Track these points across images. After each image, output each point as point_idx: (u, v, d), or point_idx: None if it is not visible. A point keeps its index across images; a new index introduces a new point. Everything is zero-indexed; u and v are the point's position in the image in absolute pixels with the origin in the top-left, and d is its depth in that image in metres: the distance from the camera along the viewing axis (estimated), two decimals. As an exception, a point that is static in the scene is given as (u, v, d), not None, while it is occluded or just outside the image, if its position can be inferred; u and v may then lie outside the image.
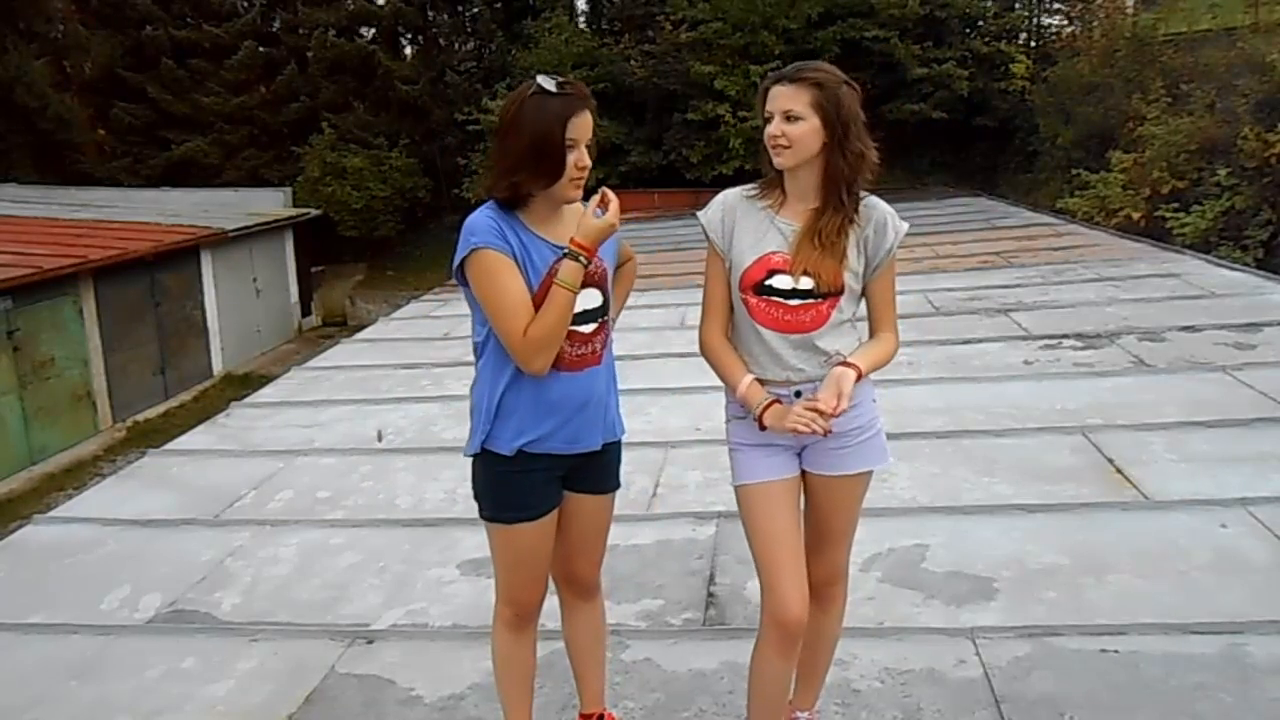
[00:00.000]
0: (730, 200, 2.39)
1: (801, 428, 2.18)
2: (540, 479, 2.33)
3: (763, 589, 2.35)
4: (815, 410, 2.17)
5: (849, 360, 2.26)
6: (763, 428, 2.28)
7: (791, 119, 2.21)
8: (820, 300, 2.27)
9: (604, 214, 2.22)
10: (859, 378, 2.23)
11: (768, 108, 2.25)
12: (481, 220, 2.23)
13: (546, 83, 2.19)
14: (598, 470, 2.44)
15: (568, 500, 2.43)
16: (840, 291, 2.27)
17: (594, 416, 2.34)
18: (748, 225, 2.33)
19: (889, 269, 2.35)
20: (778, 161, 2.26)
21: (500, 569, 2.44)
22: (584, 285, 2.26)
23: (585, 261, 2.20)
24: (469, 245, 2.20)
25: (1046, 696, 2.78)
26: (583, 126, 2.20)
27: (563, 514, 2.44)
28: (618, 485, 2.53)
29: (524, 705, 2.53)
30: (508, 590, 2.44)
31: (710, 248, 2.40)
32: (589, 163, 2.22)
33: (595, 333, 2.33)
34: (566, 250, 2.20)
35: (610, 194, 2.24)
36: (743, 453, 2.38)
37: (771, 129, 2.23)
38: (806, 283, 2.26)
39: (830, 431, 2.19)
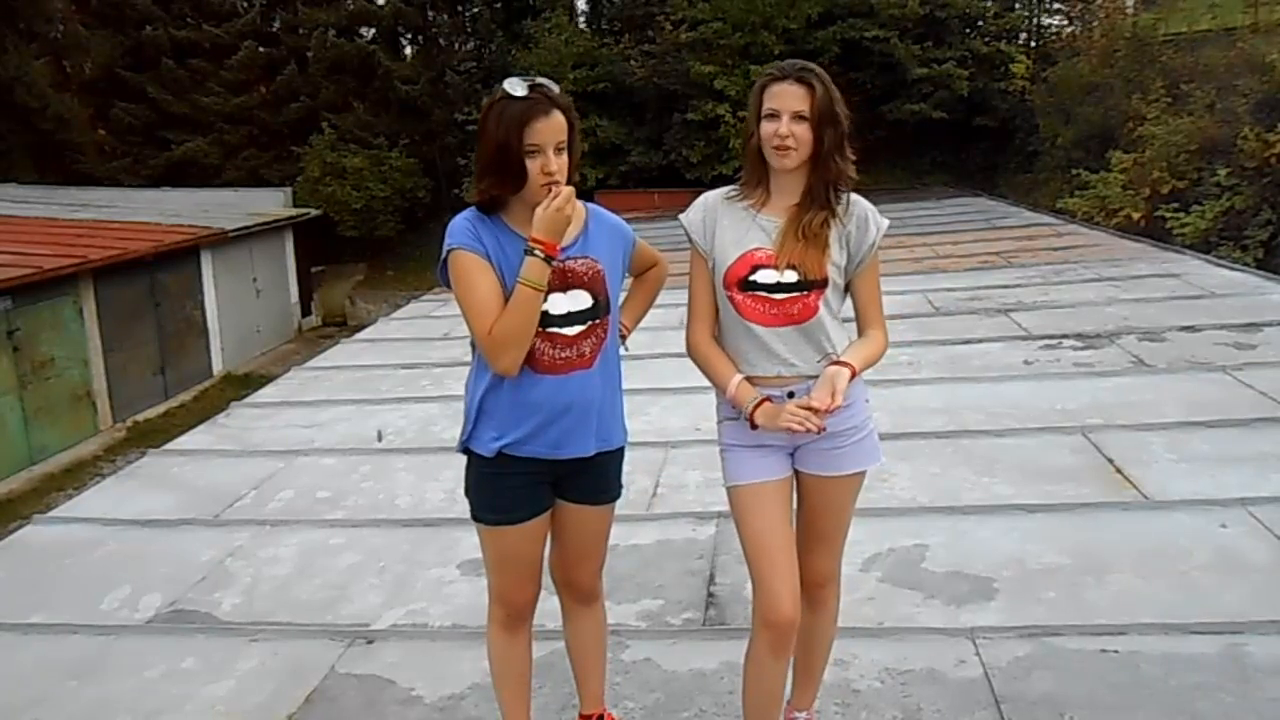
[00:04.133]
0: (710, 201, 2.39)
1: (795, 427, 2.18)
2: (521, 482, 2.30)
3: (754, 589, 2.35)
4: (809, 409, 2.17)
5: (842, 359, 2.26)
6: (754, 427, 2.27)
7: (799, 119, 2.20)
8: (806, 293, 2.27)
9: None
10: (853, 376, 2.23)
11: (773, 105, 2.22)
12: (458, 223, 2.25)
13: (514, 87, 2.16)
14: (591, 479, 2.39)
15: (562, 509, 2.41)
16: (825, 283, 2.28)
17: (581, 422, 2.29)
18: (729, 224, 2.34)
19: (873, 266, 2.35)
20: (782, 162, 2.24)
21: (488, 569, 2.45)
22: (570, 286, 2.24)
23: (544, 256, 2.15)
24: (445, 248, 2.23)
25: (1046, 696, 2.78)
26: (545, 131, 2.15)
27: (557, 522, 2.42)
28: (616, 495, 2.48)
29: (521, 706, 2.52)
30: (498, 590, 2.44)
31: (693, 249, 2.40)
32: (555, 167, 2.17)
33: (582, 335, 2.27)
34: (526, 247, 2.17)
35: (561, 186, 2.17)
36: (734, 453, 2.38)
37: (780, 129, 2.20)
38: (791, 275, 2.26)
39: (824, 430, 2.19)
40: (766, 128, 2.23)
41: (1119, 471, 4.39)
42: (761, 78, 2.29)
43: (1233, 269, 9.25)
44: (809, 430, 2.17)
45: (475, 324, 2.20)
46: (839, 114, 2.22)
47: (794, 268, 2.26)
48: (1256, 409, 5.06)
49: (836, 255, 2.29)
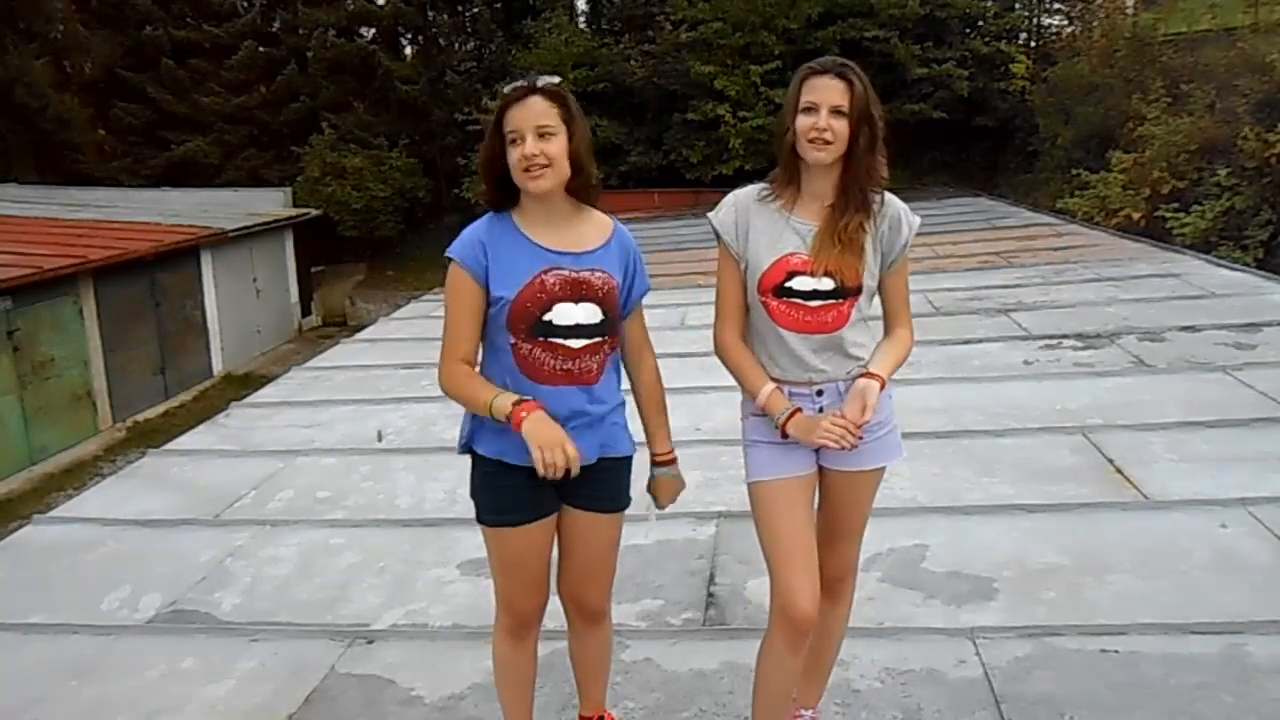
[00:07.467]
0: (742, 201, 2.36)
1: (831, 444, 2.20)
2: (525, 484, 2.26)
3: (773, 585, 2.34)
4: (843, 426, 2.19)
5: (872, 371, 2.27)
6: (785, 436, 2.27)
7: (838, 114, 2.19)
8: (841, 300, 2.27)
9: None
10: (882, 387, 2.25)
11: (811, 98, 2.20)
12: (468, 233, 2.26)
13: (506, 85, 2.19)
14: (596, 485, 2.33)
15: (568, 516, 2.37)
16: (860, 290, 2.28)
17: (581, 434, 2.24)
18: (762, 226, 2.31)
19: (904, 265, 2.35)
20: (817, 156, 2.21)
21: (495, 574, 2.42)
22: (581, 298, 2.22)
23: (509, 416, 2.12)
24: (449, 252, 2.24)
25: (1046, 696, 2.78)
26: (519, 117, 2.14)
27: (564, 531, 2.39)
28: (624, 505, 2.42)
29: (524, 707, 2.52)
30: (505, 597, 2.41)
31: (723, 249, 2.37)
32: (534, 151, 2.13)
33: (587, 350, 2.23)
34: (519, 401, 2.13)
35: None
36: (759, 449, 2.37)
37: (820, 122, 2.18)
38: (827, 283, 2.25)
39: (858, 446, 2.22)
40: (803, 121, 2.21)
41: (1119, 471, 4.39)
42: (801, 71, 2.27)
43: (1233, 269, 9.25)
44: (843, 446, 2.20)
45: (445, 347, 2.25)
46: (875, 113, 2.21)
47: (830, 275, 2.24)
48: (1256, 409, 5.06)
49: (871, 261, 2.28)
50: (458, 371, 2.24)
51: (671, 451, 2.48)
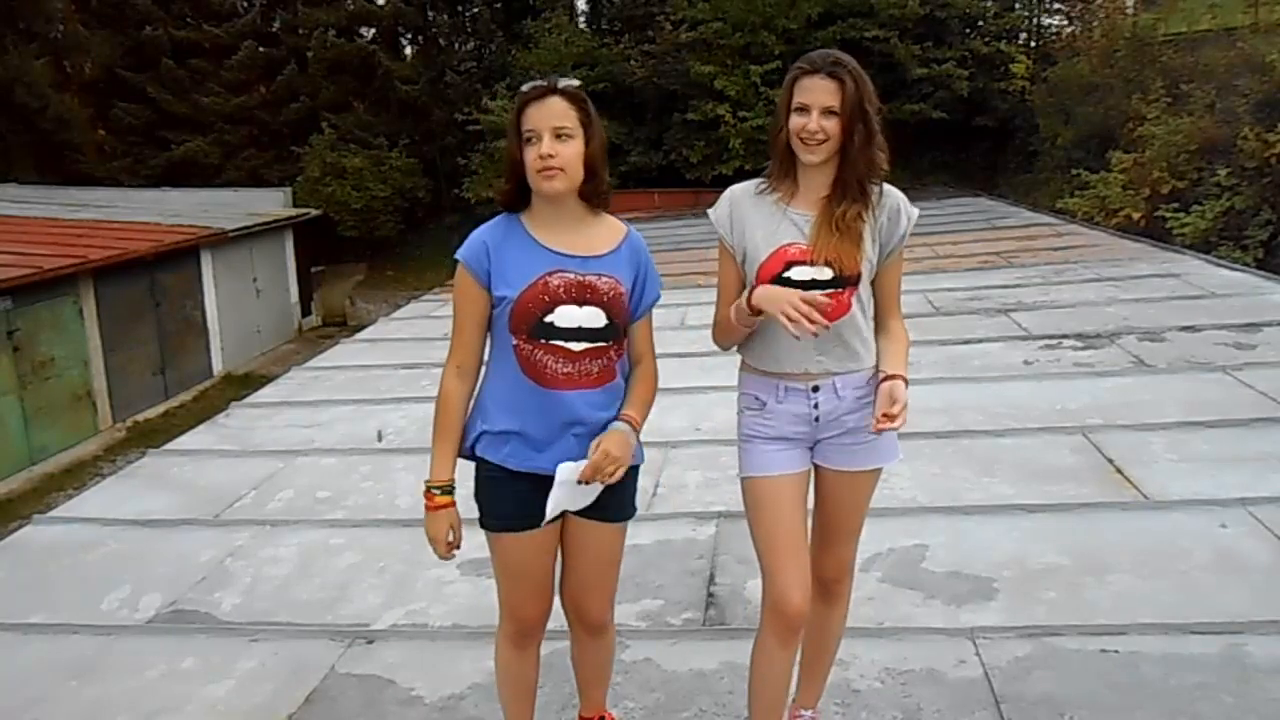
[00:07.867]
0: (737, 195, 2.37)
1: (787, 323, 2.10)
2: (527, 488, 2.24)
3: (765, 580, 2.34)
4: (812, 305, 2.10)
5: (894, 373, 2.26)
6: (755, 312, 2.22)
7: (829, 114, 2.18)
8: (840, 290, 2.26)
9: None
10: (906, 385, 2.25)
11: (802, 99, 2.20)
12: (476, 235, 2.25)
13: (531, 83, 2.19)
14: (600, 493, 2.29)
15: (572, 523, 2.34)
16: (858, 279, 2.27)
17: (586, 440, 2.22)
18: (759, 219, 2.31)
19: (900, 257, 2.35)
20: (811, 157, 2.22)
21: (499, 579, 2.40)
22: (586, 301, 2.20)
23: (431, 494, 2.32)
24: (457, 254, 2.24)
25: (1046, 696, 2.78)
26: (536, 116, 2.13)
27: (567, 540, 2.37)
28: (628, 514, 2.39)
29: (526, 710, 2.52)
30: (507, 603, 2.39)
31: (721, 244, 2.37)
32: (552, 152, 2.12)
33: (588, 354, 2.21)
34: (436, 486, 2.32)
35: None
36: (752, 445, 2.36)
37: (811, 124, 2.18)
38: (825, 272, 2.25)
39: (819, 331, 2.13)
40: (796, 121, 2.21)
41: (1119, 471, 4.39)
42: (793, 70, 2.26)
43: (1233, 269, 9.25)
44: (801, 324, 2.09)
45: (451, 347, 2.27)
46: (869, 109, 2.20)
47: (829, 264, 2.24)
48: (1256, 409, 5.06)
49: (870, 250, 2.28)
50: (449, 394, 2.28)
51: (639, 422, 2.27)
